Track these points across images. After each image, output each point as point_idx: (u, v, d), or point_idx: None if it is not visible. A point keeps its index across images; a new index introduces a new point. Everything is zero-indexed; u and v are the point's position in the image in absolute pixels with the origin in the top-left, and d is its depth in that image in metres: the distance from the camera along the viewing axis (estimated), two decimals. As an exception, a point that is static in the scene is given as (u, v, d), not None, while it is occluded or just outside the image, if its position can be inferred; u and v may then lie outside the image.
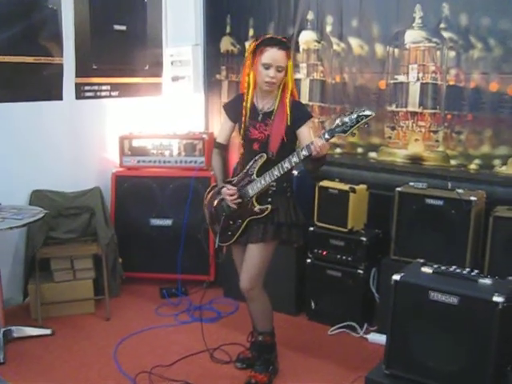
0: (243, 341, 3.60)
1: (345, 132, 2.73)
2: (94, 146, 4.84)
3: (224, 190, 3.15)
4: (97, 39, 4.76)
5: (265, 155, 3.06)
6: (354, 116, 2.71)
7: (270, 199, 3.09)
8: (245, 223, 3.13)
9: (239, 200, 3.11)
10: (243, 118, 3.14)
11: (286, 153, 2.96)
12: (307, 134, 3.02)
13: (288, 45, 3.08)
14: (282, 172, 2.95)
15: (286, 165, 2.92)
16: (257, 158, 3.08)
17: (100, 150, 4.89)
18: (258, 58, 3.00)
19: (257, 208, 3.08)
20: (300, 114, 3.08)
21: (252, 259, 3.14)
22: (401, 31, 4.07)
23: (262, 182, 3.03)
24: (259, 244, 3.10)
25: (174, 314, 4.29)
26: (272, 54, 2.98)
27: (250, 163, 3.11)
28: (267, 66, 2.99)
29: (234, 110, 3.23)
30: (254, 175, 3.08)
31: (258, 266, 3.15)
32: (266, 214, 3.06)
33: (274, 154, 3.04)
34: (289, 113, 3.04)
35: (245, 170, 3.14)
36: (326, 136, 2.76)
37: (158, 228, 4.74)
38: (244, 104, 3.12)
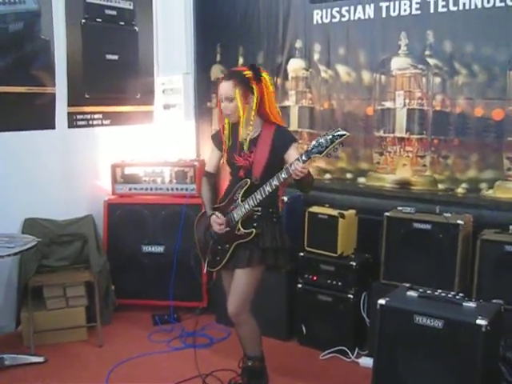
0: (235, 367, 3.59)
1: (321, 153, 2.76)
2: (87, 174, 4.89)
3: (213, 217, 3.20)
4: (89, 69, 4.83)
5: (248, 181, 3.12)
6: (329, 137, 2.75)
7: (255, 224, 3.13)
8: (232, 248, 3.16)
9: (227, 229, 3.16)
10: (224, 147, 3.23)
11: (270, 178, 2.99)
12: (294, 157, 3.00)
13: (234, 74, 3.16)
14: (264, 195, 3.00)
15: (268, 188, 2.97)
16: (241, 183, 3.15)
17: (92, 177, 4.94)
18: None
19: (242, 232, 3.12)
20: (284, 139, 3.14)
21: (239, 284, 3.17)
22: (387, 58, 4.15)
23: (246, 206, 3.08)
24: (246, 269, 3.13)
25: (167, 340, 4.29)
26: (220, 87, 3.13)
27: (235, 189, 3.17)
28: (221, 99, 3.13)
29: (220, 140, 3.31)
30: (239, 200, 3.13)
31: (245, 290, 3.17)
32: (251, 237, 3.09)
33: (258, 179, 3.09)
34: (274, 138, 3.12)
35: (231, 196, 3.20)
36: (303, 158, 2.80)
37: (150, 255, 4.76)
38: (225, 133, 3.22)
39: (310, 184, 3.05)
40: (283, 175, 2.89)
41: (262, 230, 3.12)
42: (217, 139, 3.35)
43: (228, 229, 3.16)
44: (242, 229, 3.12)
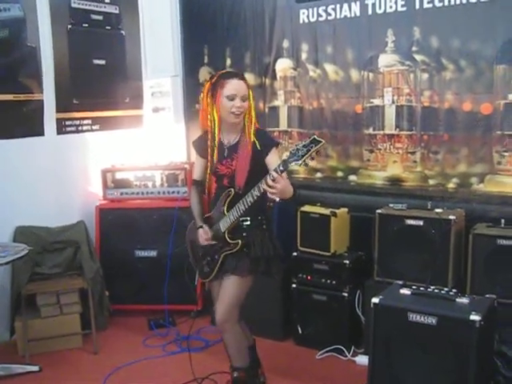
0: (231, 369, 3.60)
1: (297, 162, 2.71)
2: (77, 180, 4.87)
3: (200, 231, 3.19)
4: (76, 74, 4.81)
5: (232, 191, 3.08)
6: (306, 145, 2.70)
7: (244, 233, 3.10)
8: (221, 259, 3.14)
9: (213, 242, 3.15)
10: (209, 157, 3.17)
11: (254, 185, 2.92)
12: (274, 162, 2.96)
13: (245, 77, 3.15)
14: (247, 206, 2.95)
15: (250, 199, 2.92)
16: (224, 194, 3.10)
17: (83, 183, 4.92)
18: (220, 92, 3.02)
19: (228, 243, 3.09)
20: (265, 143, 3.09)
21: (226, 292, 3.14)
22: (374, 56, 4.16)
23: (231, 217, 3.05)
24: (234, 277, 3.10)
25: (162, 344, 4.28)
26: (234, 85, 3.03)
27: (220, 199, 3.13)
28: (232, 97, 3.02)
29: (201, 147, 3.26)
30: (224, 211, 3.09)
31: (233, 299, 3.14)
32: (238, 248, 3.07)
33: (242, 188, 3.04)
34: (253, 142, 3.07)
35: (217, 206, 3.16)
36: (281, 168, 2.74)
37: (144, 259, 4.75)
38: (209, 143, 3.14)
39: (291, 194, 2.93)
40: (263, 186, 2.83)
41: (251, 239, 3.09)
42: (199, 147, 3.30)
43: (214, 242, 3.15)
44: (228, 240, 3.09)
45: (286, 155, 2.75)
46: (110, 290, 4.62)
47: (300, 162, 2.69)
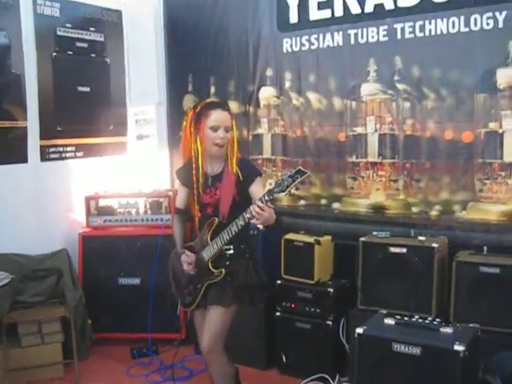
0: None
1: (283, 191, 2.73)
2: (60, 207, 4.84)
3: (183, 257, 3.18)
4: (61, 101, 4.81)
5: (216, 219, 3.07)
6: (291, 175, 2.73)
7: (227, 262, 3.09)
8: (204, 288, 3.13)
9: (196, 269, 3.14)
10: (194, 185, 3.15)
11: (238, 214, 2.93)
12: (258, 192, 2.99)
13: (228, 106, 3.16)
14: (231, 235, 2.95)
15: (234, 228, 2.92)
16: (208, 222, 3.10)
17: (66, 210, 4.89)
18: (204, 122, 3.03)
19: (212, 271, 3.08)
20: (248, 172, 3.10)
21: (211, 322, 3.11)
22: (357, 84, 4.20)
23: (215, 246, 3.04)
24: (218, 307, 3.08)
25: (145, 374, 4.24)
26: (218, 116, 3.04)
27: (204, 228, 3.13)
28: (216, 128, 3.02)
29: (185, 176, 3.26)
30: (208, 239, 3.08)
31: (218, 329, 3.11)
32: (221, 277, 3.06)
33: (226, 217, 3.04)
34: (237, 172, 3.08)
35: (200, 235, 3.16)
36: (266, 198, 2.76)
37: (127, 287, 4.72)
38: (194, 172, 3.12)
39: (274, 224, 2.93)
40: (248, 215, 2.84)
41: (235, 268, 3.08)
42: (182, 175, 3.30)
43: (196, 269, 3.13)
44: (212, 269, 3.08)
45: (269, 183, 2.77)
46: (93, 318, 4.57)
47: (285, 192, 2.72)
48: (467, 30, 3.71)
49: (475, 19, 3.68)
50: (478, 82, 3.74)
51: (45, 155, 4.72)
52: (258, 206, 2.75)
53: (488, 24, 3.64)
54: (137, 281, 4.71)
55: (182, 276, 3.24)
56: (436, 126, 3.92)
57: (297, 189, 2.73)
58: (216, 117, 3.03)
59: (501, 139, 3.70)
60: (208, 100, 3.19)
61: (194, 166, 3.14)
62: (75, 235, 4.77)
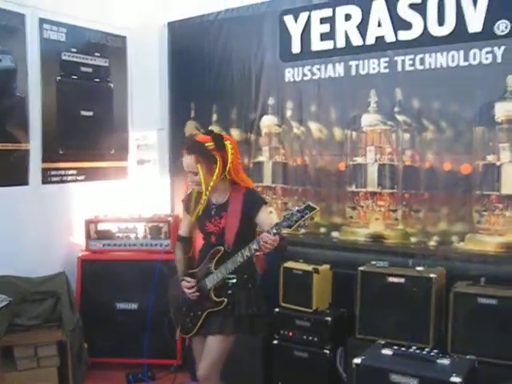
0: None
1: (290, 227, 2.76)
2: (60, 230, 4.86)
3: (183, 282, 3.20)
4: (64, 125, 4.86)
5: (221, 249, 3.10)
6: (300, 210, 2.76)
7: (230, 291, 3.11)
8: (204, 315, 3.14)
9: (197, 293, 3.15)
10: (193, 214, 3.21)
11: (243, 243, 2.96)
12: (265, 220, 3.07)
13: (196, 148, 3.07)
14: (236, 265, 2.98)
15: (239, 259, 2.96)
16: (213, 251, 3.12)
17: (66, 234, 4.91)
18: None
19: (213, 300, 3.09)
20: (253, 202, 3.14)
21: (210, 350, 3.12)
22: (357, 115, 4.25)
23: (219, 274, 3.06)
24: (218, 336, 3.09)
25: (141, 400, 4.22)
26: (184, 161, 3.10)
27: (208, 256, 3.15)
28: (186, 170, 3.12)
29: (189, 204, 3.30)
30: (212, 268, 3.10)
31: (216, 357, 3.12)
32: (222, 307, 3.07)
33: (231, 247, 3.07)
34: (243, 202, 3.11)
35: (204, 263, 3.18)
36: (274, 231, 2.80)
37: (124, 312, 4.71)
38: (201, 200, 3.16)
39: (282, 251, 3.02)
40: (254, 246, 2.87)
41: (237, 298, 3.10)
42: (187, 204, 3.34)
43: (198, 294, 3.15)
44: (214, 297, 3.10)
45: (269, 211, 2.78)
46: (89, 342, 4.55)
47: (293, 227, 2.75)
48: (466, 64, 3.77)
49: (474, 53, 3.74)
50: (476, 115, 3.78)
51: (46, 178, 4.75)
52: (266, 239, 2.78)
53: (487, 58, 3.70)
54: (134, 306, 4.71)
55: (182, 302, 3.25)
56: (435, 158, 3.95)
57: (305, 224, 2.74)
58: (184, 161, 3.10)
59: (498, 172, 3.73)
60: (188, 138, 3.20)
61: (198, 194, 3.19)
62: (74, 258, 4.77)
